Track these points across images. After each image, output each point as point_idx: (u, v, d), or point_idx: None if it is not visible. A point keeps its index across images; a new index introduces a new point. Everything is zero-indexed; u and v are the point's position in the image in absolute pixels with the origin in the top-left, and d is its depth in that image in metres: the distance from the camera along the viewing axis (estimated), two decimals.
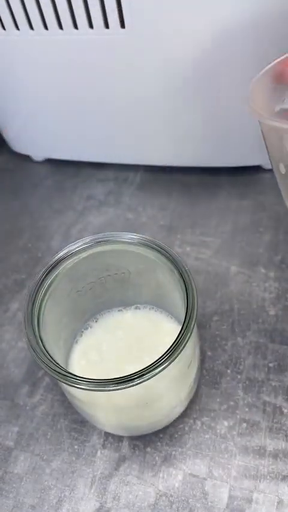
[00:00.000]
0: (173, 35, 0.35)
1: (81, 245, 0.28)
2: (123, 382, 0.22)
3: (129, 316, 0.33)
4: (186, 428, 0.32)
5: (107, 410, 0.28)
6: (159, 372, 0.23)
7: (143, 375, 0.23)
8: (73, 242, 0.28)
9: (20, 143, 0.51)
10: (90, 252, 0.28)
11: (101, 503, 0.30)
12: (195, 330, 0.26)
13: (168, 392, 0.28)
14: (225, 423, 0.32)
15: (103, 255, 0.29)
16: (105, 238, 0.28)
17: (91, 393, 0.25)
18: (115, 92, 0.40)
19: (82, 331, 0.33)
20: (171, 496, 0.30)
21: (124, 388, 0.22)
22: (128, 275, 0.31)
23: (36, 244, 0.45)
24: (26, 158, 0.53)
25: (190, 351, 0.27)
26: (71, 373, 0.24)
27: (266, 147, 0.27)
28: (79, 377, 0.23)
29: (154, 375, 0.23)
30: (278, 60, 0.27)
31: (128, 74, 0.38)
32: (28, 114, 0.45)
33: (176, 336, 0.24)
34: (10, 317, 0.40)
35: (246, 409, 0.32)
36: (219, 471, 0.30)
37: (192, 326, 0.24)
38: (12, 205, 0.49)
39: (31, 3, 0.35)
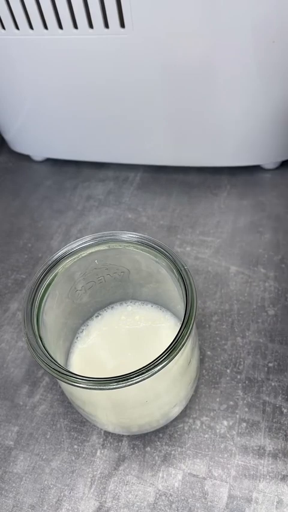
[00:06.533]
0: (173, 34, 0.35)
1: (80, 244, 0.28)
2: (123, 380, 0.22)
3: (129, 315, 0.33)
4: (186, 428, 0.32)
5: (107, 409, 0.28)
6: (159, 370, 0.23)
7: (143, 373, 0.22)
8: (72, 241, 0.28)
9: (20, 143, 0.51)
10: (89, 251, 0.28)
11: (100, 502, 0.30)
12: (194, 328, 0.26)
13: (167, 391, 0.28)
14: (225, 423, 0.32)
15: (102, 254, 0.29)
16: (104, 238, 0.28)
17: (91, 392, 0.25)
18: (115, 91, 0.40)
19: (82, 330, 0.33)
20: (171, 495, 0.30)
21: (124, 386, 0.22)
22: (128, 274, 0.31)
23: (36, 244, 0.45)
24: (26, 158, 0.53)
25: (189, 350, 0.27)
26: (70, 372, 0.23)
27: None
28: (79, 376, 0.23)
29: (154, 373, 0.23)
30: None
31: (128, 73, 0.38)
32: (28, 114, 0.46)
33: (176, 334, 0.24)
34: (9, 317, 0.40)
35: (246, 409, 0.32)
36: (218, 471, 0.30)
37: (191, 325, 0.24)
38: (12, 205, 0.49)
39: (31, 3, 0.35)
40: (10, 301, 0.41)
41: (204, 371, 0.35)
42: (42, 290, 0.27)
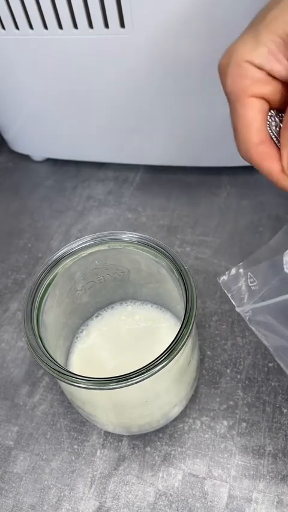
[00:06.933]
0: (173, 34, 0.35)
1: (80, 244, 0.28)
2: (123, 380, 0.22)
3: (129, 315, 0.33)
4: (186, 428, 0.32)
5: (107, 409, 0.28)
6: (159, 370, 0.23)
7: (143, 373, 0.22)
8: (72, 241, 0.28)
9: (20, 143, 0.51)
10: (89, 251, 0.28)
11: (100, 502, 0.30)
12: (194, 328, 0.26)
13: (167, 391, 0.28)
14: (225, 423, 0.32)
15: (102, 254, 0.29)
16: (104, 238, 0.28)
17: (91, 392, 0.25)
18: (115, 91, 0.40)
19: (82, 330, 0.33)
20: (171, 495, 0.30)
21: (124, 386, 0.22)
22: (128, 274, 0.31)
23: (36, 244, 0.45)
24: (26, 158, 0.53)
25: (189, 350, 0.27)
26: (70, 372, 0.24)
27: None
28: (79, 376, 0.23)
29: (153, 373, 0.23)
30: None
31: (128, 73, 0.38)
32: (28, 114, 0.45)
33: (176, 334, 0.24)
34: (9, 317, 0.40)
35: (246, 409, 0.32)
36: (218, 471, 0.30)
37: (191, 325, 0.24)
38: (12, 205, 0.49)
39: (31, 3, 0.35)
40: (10, 301, 0.41)
41: (204, 371, 0.35)
42: (42, 290, 0.27)
